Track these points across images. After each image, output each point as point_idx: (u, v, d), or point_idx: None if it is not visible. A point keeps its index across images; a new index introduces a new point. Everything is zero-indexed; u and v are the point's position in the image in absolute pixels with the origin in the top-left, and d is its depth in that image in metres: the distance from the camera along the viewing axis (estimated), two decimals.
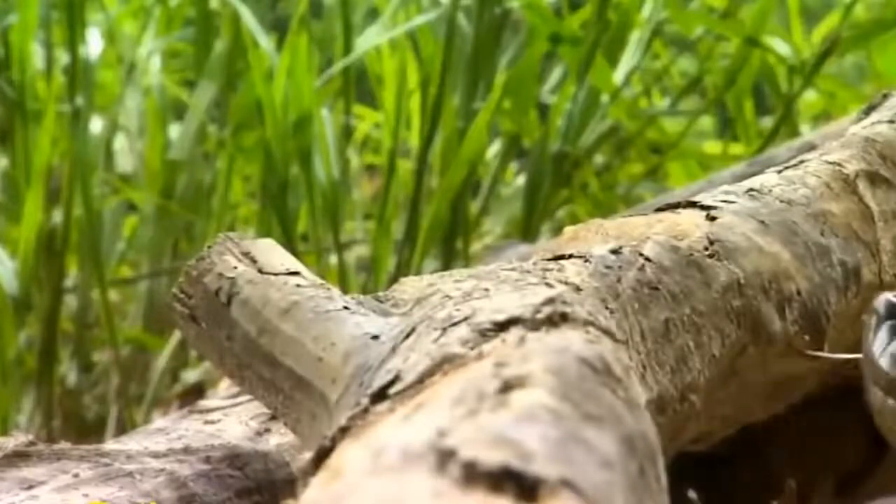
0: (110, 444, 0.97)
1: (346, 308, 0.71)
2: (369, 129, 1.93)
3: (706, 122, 2.20)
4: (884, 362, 0.64)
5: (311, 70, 1.64)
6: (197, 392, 1.62)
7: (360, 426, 0.49)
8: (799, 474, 0.99)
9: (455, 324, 0.58)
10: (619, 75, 1.70)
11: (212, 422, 1.00)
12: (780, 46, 1.74)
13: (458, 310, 0.61)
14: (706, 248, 0.78)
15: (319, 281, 0.75)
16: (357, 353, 0.66)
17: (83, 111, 1.69)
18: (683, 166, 1.86)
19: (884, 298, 0.66)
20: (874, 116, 1.01)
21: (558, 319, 0.54)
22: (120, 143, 1.98)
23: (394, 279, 1.02)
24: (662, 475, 0.49)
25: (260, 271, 0.76)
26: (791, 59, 1.74)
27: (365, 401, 0.51)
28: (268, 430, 0.98)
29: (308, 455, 0.51)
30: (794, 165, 0.91)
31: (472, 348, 0.52)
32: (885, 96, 1.05)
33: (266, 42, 1.70)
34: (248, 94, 1.72)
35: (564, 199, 1.80)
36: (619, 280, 0.73)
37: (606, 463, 0.42)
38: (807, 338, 0.81)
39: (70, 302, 1.76)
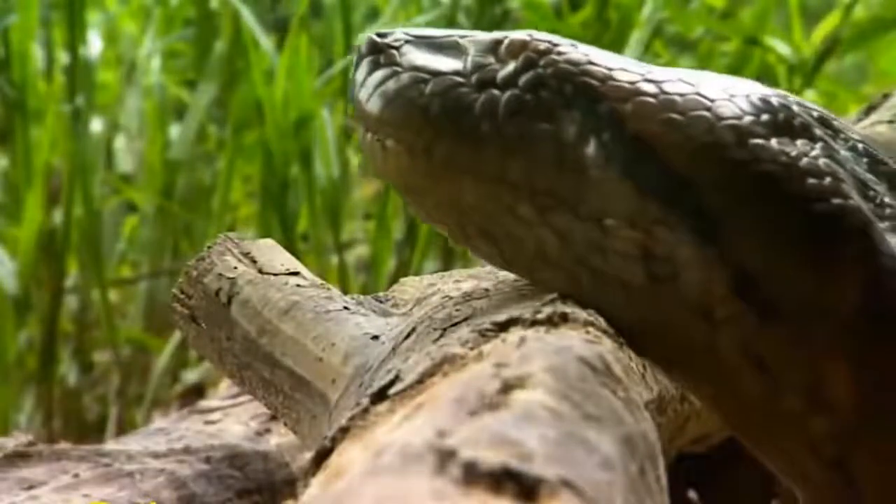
0: (110, 445, 0.97)
1: (346, 308, 0.71)
2: None
3: None
4: (373, 104, 0.61)
5: (311, 70, 1.64)
6: (197, 392, 1.62)
7: (360, 426, 0.49)
8: None
9: (455, 324, 0.58)
10: None
11: (212, 422, 1.00)
12: (780, 46, 1.74)
13: (458, 310, 0.61)
14: None
15: (319, 281, 0.75)
16: (357, 353, 0.66)
17: (83, 111, 1.69)
18: None
19: (366, 36, 0.63)
20: (874, 116, 1.01)
21: (558, 320, 0.54)
22: (120, 143, 1.98)
23: (394, 279, 1.02)
24: (663, 475, 0.49)
25: (260, 272, 0.76)
26: (791, 59, 1.73)
27: (365, 401, 0.51)
28: (268, 430, 0.98)
29: (309, 455, 0.51)
30: None
31: (472, 348, 0.52)
32: (885, 96, 1.05)
33: (266, 42, 1.70)
34: (248, 94, 1.72)
35: None
36: None
37: (606, 463, 0.42)
38: None
39: (70, 302, 1.76)
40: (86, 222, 1.67)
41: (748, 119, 0.56)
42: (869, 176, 0.59)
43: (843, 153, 0.58)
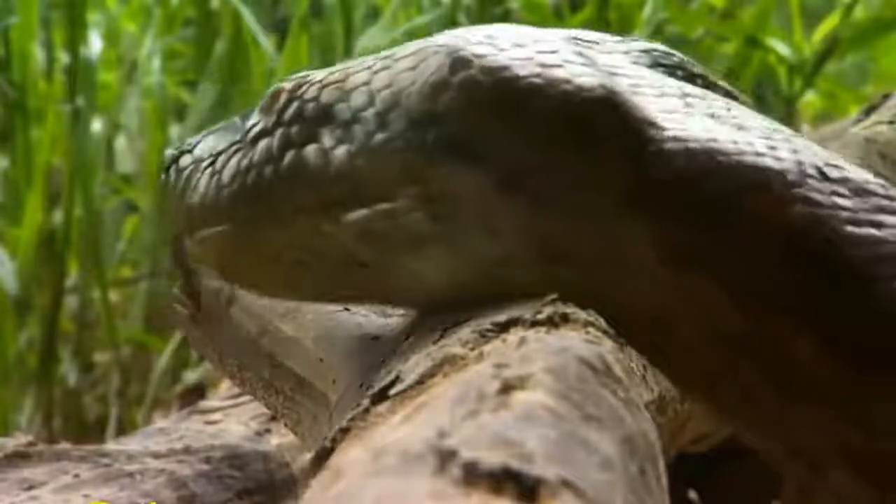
0: (111, 445, 0.97)
1: (346, 309, 0.71)
2: None
3: None
4: (186, 203, 0.63)
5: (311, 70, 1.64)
6: (197, 392, 1.62)
7: (360, 427, 0.49)
8: None
9: (455, 324, 0.58)
10: None
11: (212, 422, 1.00)
12: (780, 47, 1.74)
13: (458, 311, 0.61)
14: None
15: None
16: (357, 353, 0.66)
17: (83, 111, 1.69)
18: None
19: (165, 153, 0.66)
20: (874, 117, 1.01)
21: (559, 320, 0.54)
22: (120, 143, 1.98)
23: None
24: (663, 476, 0.49)
25: None
26: (791, 59, 1.73)
27: (365, 402, 0.51)
28: (268, 431, 0.98)
29: (309, 455, 0.51)
30: None
31: (472, 349, 0.52)
32: (886, 97, 1.05)
33: (266, 42, 1.70)
34: (248, 93, 1.72)
35: None
36: None
37: (607, 463, 0.42)
38: None
39: (70, 302, 1.76)
40: (86, 222, 1.67)
41: (476, 47, 0.58)
42: (654, 73, 0.60)
43: (608, 56, 0.59)
